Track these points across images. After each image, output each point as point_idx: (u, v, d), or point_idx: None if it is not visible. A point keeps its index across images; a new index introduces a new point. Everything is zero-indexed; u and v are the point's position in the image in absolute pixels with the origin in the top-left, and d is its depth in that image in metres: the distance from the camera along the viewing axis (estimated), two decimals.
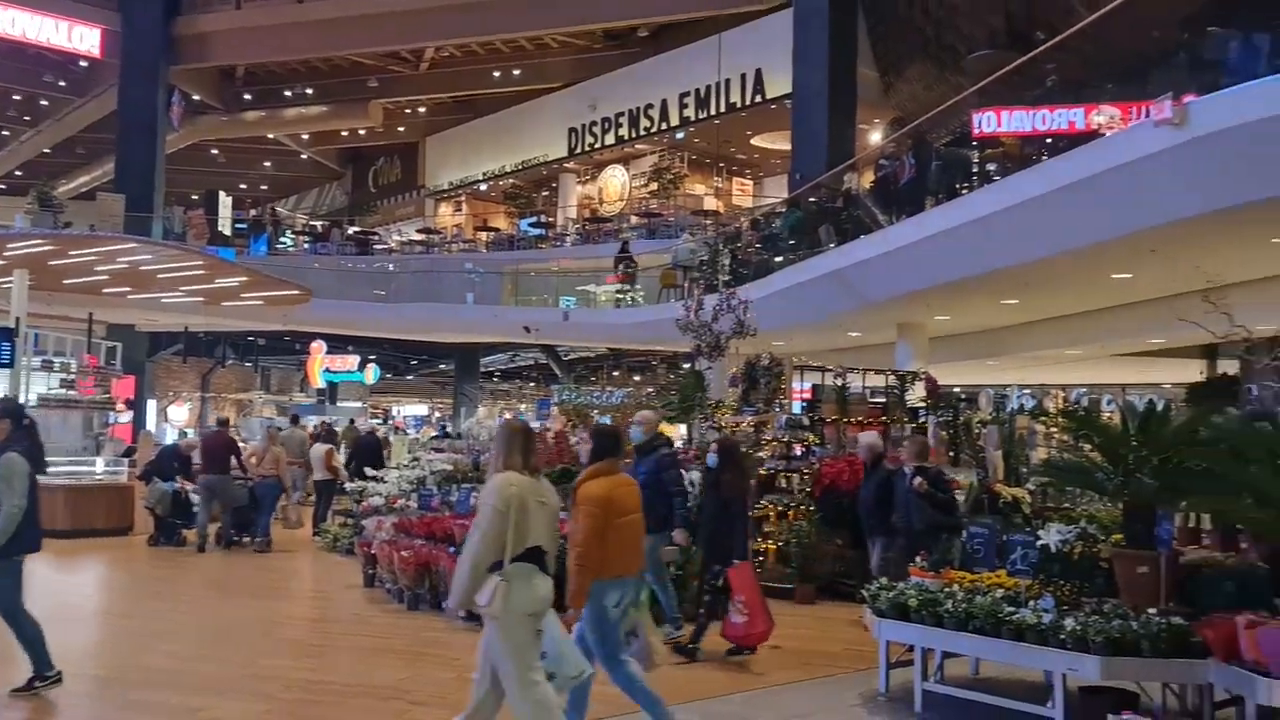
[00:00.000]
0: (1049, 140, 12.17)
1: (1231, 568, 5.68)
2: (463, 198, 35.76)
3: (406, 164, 37.23)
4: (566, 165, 32.23)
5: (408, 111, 34.80)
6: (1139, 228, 9.36)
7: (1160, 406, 6.15)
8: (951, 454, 12.80)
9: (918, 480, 7.89)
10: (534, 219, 31.44)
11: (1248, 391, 6.69)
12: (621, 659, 5.25)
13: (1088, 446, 6.70)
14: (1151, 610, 5.44)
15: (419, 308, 25.45)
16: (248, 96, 33.03)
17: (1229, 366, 16.14)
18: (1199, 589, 5.63)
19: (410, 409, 42.43)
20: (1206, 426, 5.81)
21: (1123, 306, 14.24)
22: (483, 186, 34.63)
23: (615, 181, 31.49)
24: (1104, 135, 10.95)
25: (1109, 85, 12.85)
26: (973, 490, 10.94)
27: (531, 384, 40.67)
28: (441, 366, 38.18)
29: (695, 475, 10.42)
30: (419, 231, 33.33)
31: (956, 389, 21.64)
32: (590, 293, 24.26)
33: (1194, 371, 18.53)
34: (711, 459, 8.07)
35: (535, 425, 17.55)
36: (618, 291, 22.81)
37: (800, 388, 13.51)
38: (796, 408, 12.70)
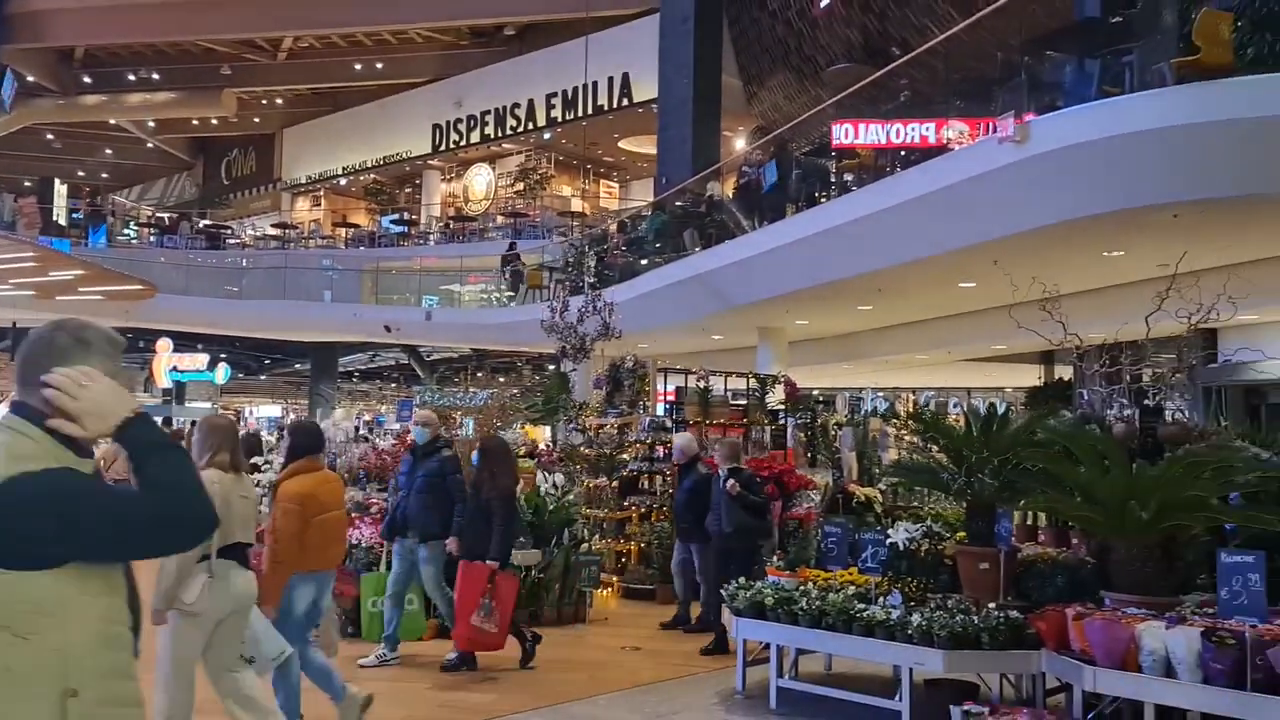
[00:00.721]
0: (903, 153, 12.64)
1: (1063, 562, 6.01)
2: (321, 192, 34.72)
3: (262, 156, 35.88)
4: (431, 162, 31.69)
5: (264, 102, 33.55)
6: (983, 239, 9.82)
7: (1000, 410, 6.47)
8: (809, 455, 13.18)
9: (730, 483, 7.83)
10: (396, 216, 30.79)
11: (1079, 396, 7.08)
12: (309, 648, 5.36)
13: (934, 448, 6.98)
14: (991, 605, 5.70)
15: (273, 305, 24.56)
16: (87, 80, 31.23)
17: (1064, 372, 17.18)
18: (1033, 583, 5.94)
19: (263, 409, 40.83)
20: (1042, 429, 6.13)
21: (968, 314, 14.94)
22: (343, 181, 33.69)
23: (481, 180, 31.14)
24: (953, 150, 11.44)
25: (958, 102, 13.45)
26: (828, 490, 11.30)
27: (393, 385, 39.77)
28: (297, 366, 36.89)
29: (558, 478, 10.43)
30: (274, 226, 32.17)
31: (815, 392, 22.28)
32: (454, 292, 23.90)
33: (1033, 376, 19.62)
34: (475, 458, 7.64)
35: (396, 427, 17.19)
36: (509, 294, 22.42)
37: (664, 390, 13.65)
38: (660, 410, 12.82)
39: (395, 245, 27.99)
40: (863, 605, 5.90)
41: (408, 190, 33.98)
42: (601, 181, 31.50)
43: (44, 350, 2.16)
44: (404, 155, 31.42)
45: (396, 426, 17.22)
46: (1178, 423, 6.24)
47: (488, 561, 6.89)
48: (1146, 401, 6.38)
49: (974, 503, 6.22)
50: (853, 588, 6.34)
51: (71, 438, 2.09)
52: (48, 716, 1.96)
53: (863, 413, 14.48)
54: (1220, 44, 7.64)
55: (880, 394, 22.94)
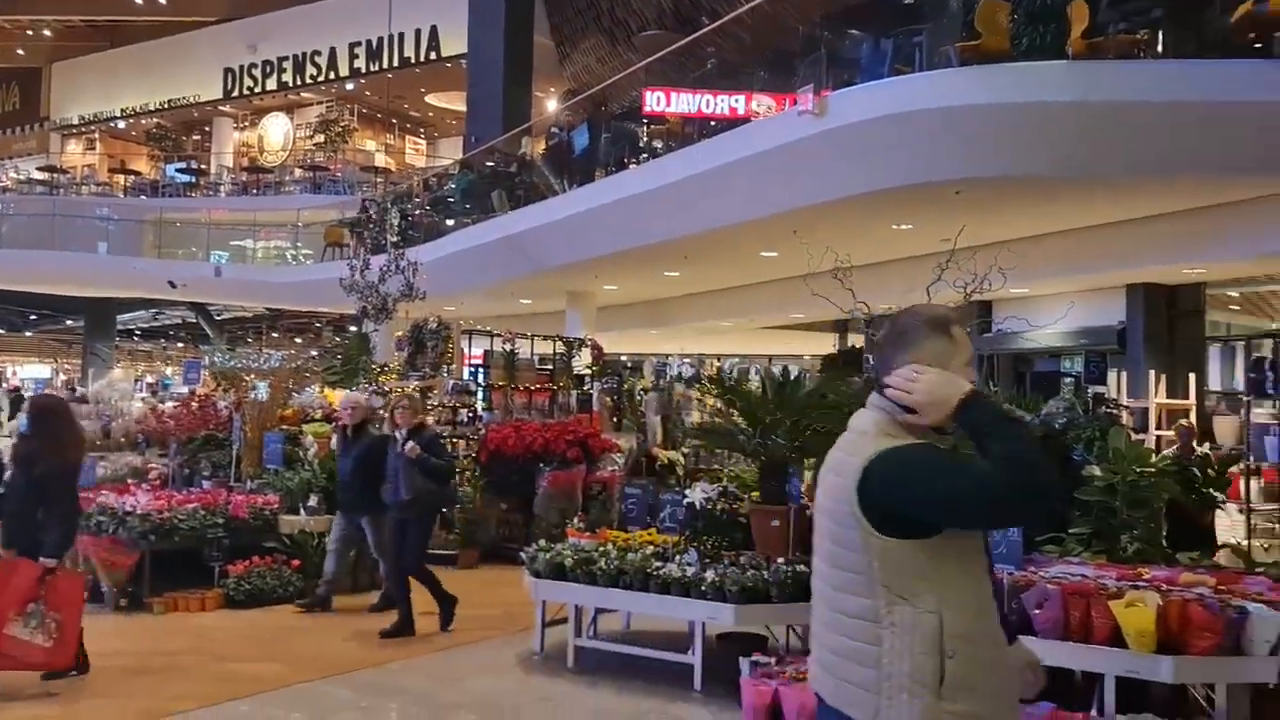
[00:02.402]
0: (712, 124, 12.85)
1: None
2: (96, 135, 31.96)
3: (26, 92, 32.66)
4: (222, 108, 29.75)
5: (29, 32, 30.45)
6: (784, 209, 10.13)
7: (794, 375, 6.70)
8: (615, 419, 13.31)
9: (409, 445, 6.95)
10: (183, 164, 28.77)
11: (867, 361, 7.43)
12: None
13: (734, 412, 7.17)
14: (781, 560, 5.91)
15: (40, 256, 22.48)
16: None
17: (857, 340, 18.08)
18: None
19: (30, 370, 37.50)
20: (831, 392, 6.39)
21: (769, 283, 15.44)
22: (121, 124, 31.14)
23: (277, 130, 29.52)
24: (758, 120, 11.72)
25: (764, 74, 13.79)
26: (632, 454, 11.47)
27: (180, 345, 37.37)
28: (69, 323, 34.03)
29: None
30: (40, 170, 29.39)
31: (624, 357, 22.51)
32: (247, 248, 22.61)
33: (829, 344, 20.56)
34: (23, 424, 6.51)
35: (184, 389, 16.14)
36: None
37: (469, 353, 13.41)
38: (465, 373, 12.59)
39: (182, 196, 26.16)
40: (660, 564, 6.00)
41: (196, 137, 31.79)
42: (408, 137, 30.52)
43: (892, 338, 2.46)
44: (192, 99, 29.34)
45: (184, 389, 16.23)
46: None
47: (42, 559, 5.39)
48: None
49: (767, 463, 6.43)
50: (651, 547, 6.44)
51: None
52: (929, 674, 2.20)
53: (668, 378, 14.74)
54: (998, 31, 8.13)
55: (686, 360, 23.45)
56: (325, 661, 6.28)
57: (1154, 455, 6.52)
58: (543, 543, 6.66)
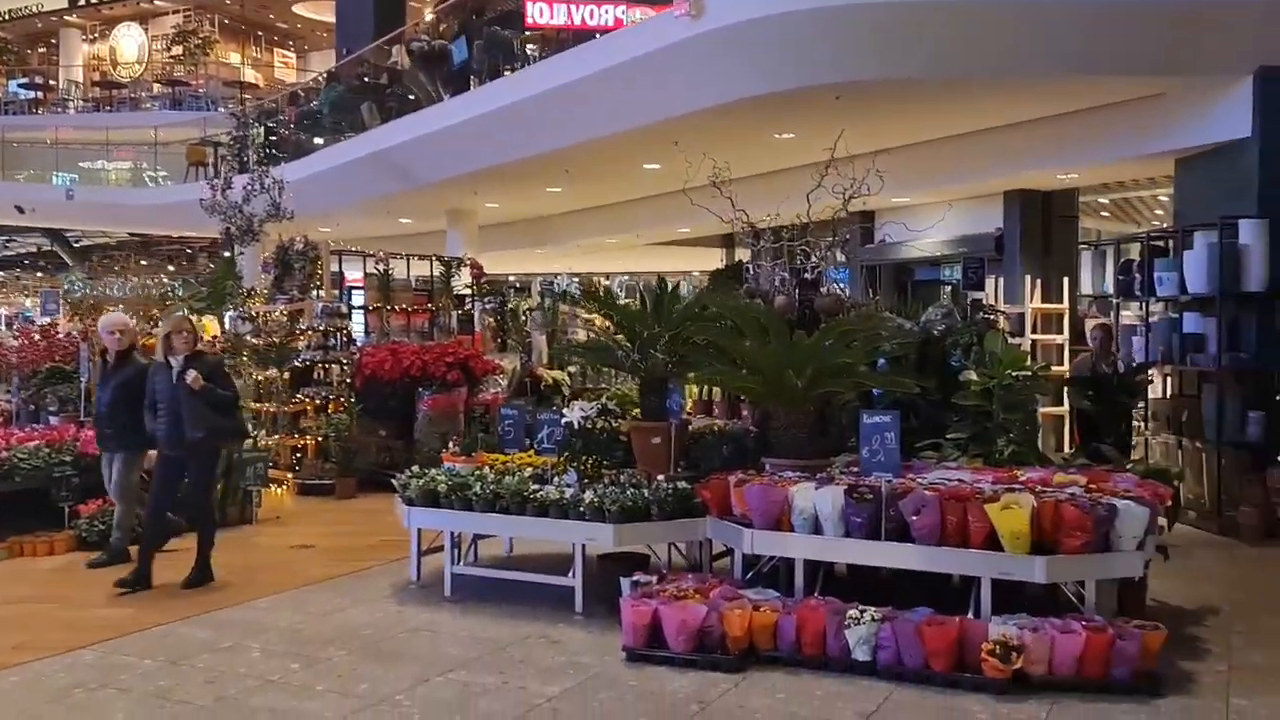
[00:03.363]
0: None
1: (729, 433, 6.19)
2: None
3: None
4: (68, 19, 27.56)
5: None
6: (663, 116, 9.81)
7: (671, 287, 6.48)
8: (499, 340, 12.98)
9: (191, 375, 6.10)
10: (26, 79, 26.63)
11: (747, 272, 7.27)
12: None
13: (614, 328, 6.95)
14: (661, 477, 5.77)
15: None
16: None
17: (744, 254, 18.02)
18: (702, 454, 6.08)
19: None
20: (710, 304, 6.20)
21: (653, 197, 15.15)
22: None
23: (130, 42, 27.56)
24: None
25: None
26: (516, 375, 11.18)
27: (39, 274, 35.15)
28: None
29: None
30: None
31: (511, 278, 21.99)
32: (100, 169, 21.14)
33: (716, 259, 20.48)
34: None
35: (43, 320, 15.13)
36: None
37: (341, 274, 12.83)
38: (337, 295, 12.03)
39: (26, 113, 24.25)
40: (538, 486, 5.79)
41: (41, 50, 29.45)
42: (276, 51, 28.89)
43: None
44: (33, 9, 27.07)
45: (44, 320, 15.25)
46: (833, 295, 6.54)
47: None
48: (806, 276, 6.63)
49: (647, 378, 6.25)
50: (530, 470, 6.23)
51: None
52: None
53: (551, 296, 14.40)
54: None
55: (575, 279, 23.13)
56: (186, 601, 5.93)
57: (1029, 359, 6.56)
58: (415, 469, 6.38)
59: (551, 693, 4.39)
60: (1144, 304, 9.02)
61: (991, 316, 7.42)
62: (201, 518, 6.46)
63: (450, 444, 7.26)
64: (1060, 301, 10.87)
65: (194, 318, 7.72)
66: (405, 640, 5.21)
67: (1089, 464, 5.80)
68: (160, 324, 7.08)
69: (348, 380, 10.15)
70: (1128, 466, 5.73)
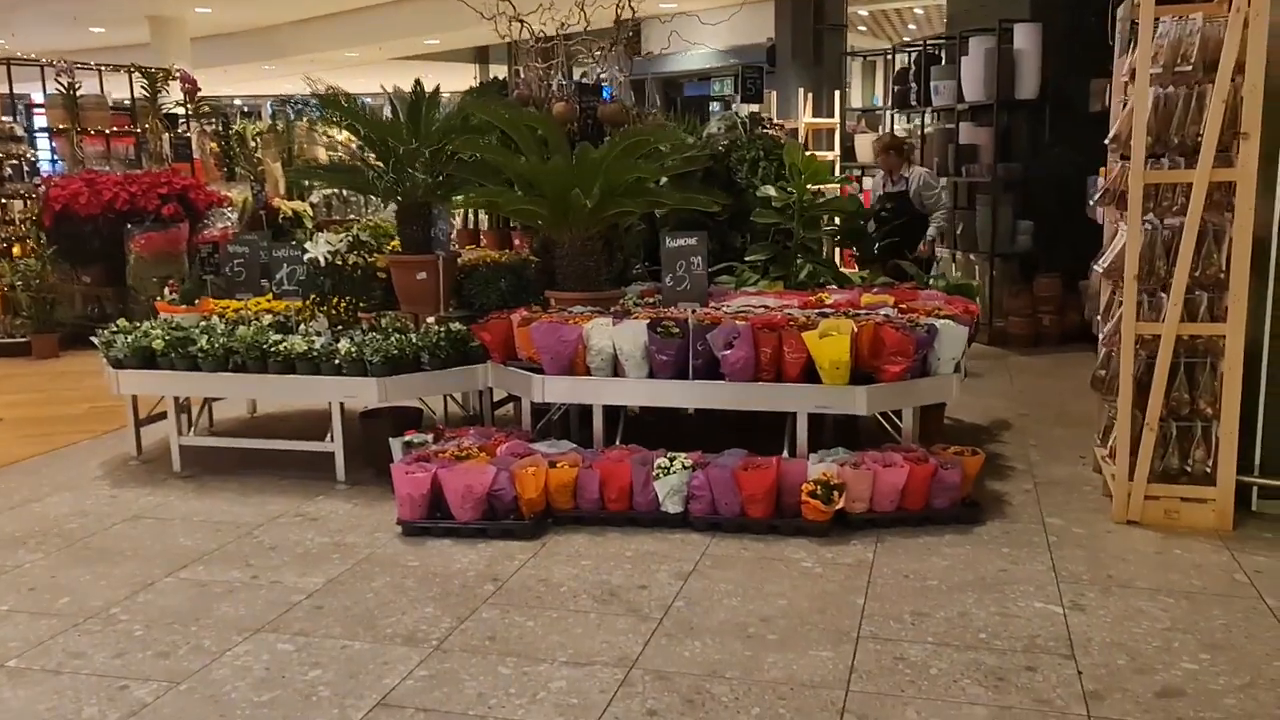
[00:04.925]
0: None
1: (506, 264, 5.41)
2: None
3: None
4: None
5: None
6: None
7: (429, 92, 5.47)
8: (226, 168, 11.31)
9: None
10: None
11: (515, 75, 6.34)
12: None
13: (365, 147, 5.89)
14: (431, 319, 4.97)
15: None
16: None
17: (500, 71, 16.68)
18: (476, 290, 5.29)
19: None
20: (478, 110, 5.27)
21: (395, 3, 13.50)
22: None
23: None
24: None
25: None
26: (248, 207, 9.74)
27: None
28: None
29: None
30: None
31: (237, 101, 19.52)
32: None
33: (469, 77, 18.96)
34: None
35: None
36: None
37: (11, 91, 10.61)
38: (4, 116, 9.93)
39: None
40: (280, 337, 4.83)
41: None
42: None
43: None
44: None
45: None
46: (617, 103, 5.77)
47: None
48: (584, 79, 5.80)
49: (406, 204, 5.33)
50: (270, 317, 5.24)
51: None
52: None
53: (286, 117, 12.68)
54: None
55: (314, 100, 20.94)
56: None
57: (829, 171, 6.11)
58: (123, 322, 5.22)
59: (313, 585, 3.63)
60: (920, 115, 8.82)
61: (774, 131, 6.93)
62: None
63: (167, 291, 6.05)
64: (831, 116, 10.61)
65: None
66: (123, 533, 4.24)
67: (890, 282, 5.49)
68: None
69: (34, 218, 8.43)
70: (928, 282, 5.46)
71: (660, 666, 2.97)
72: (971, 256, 8.16)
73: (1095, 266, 4.38)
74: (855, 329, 4.11)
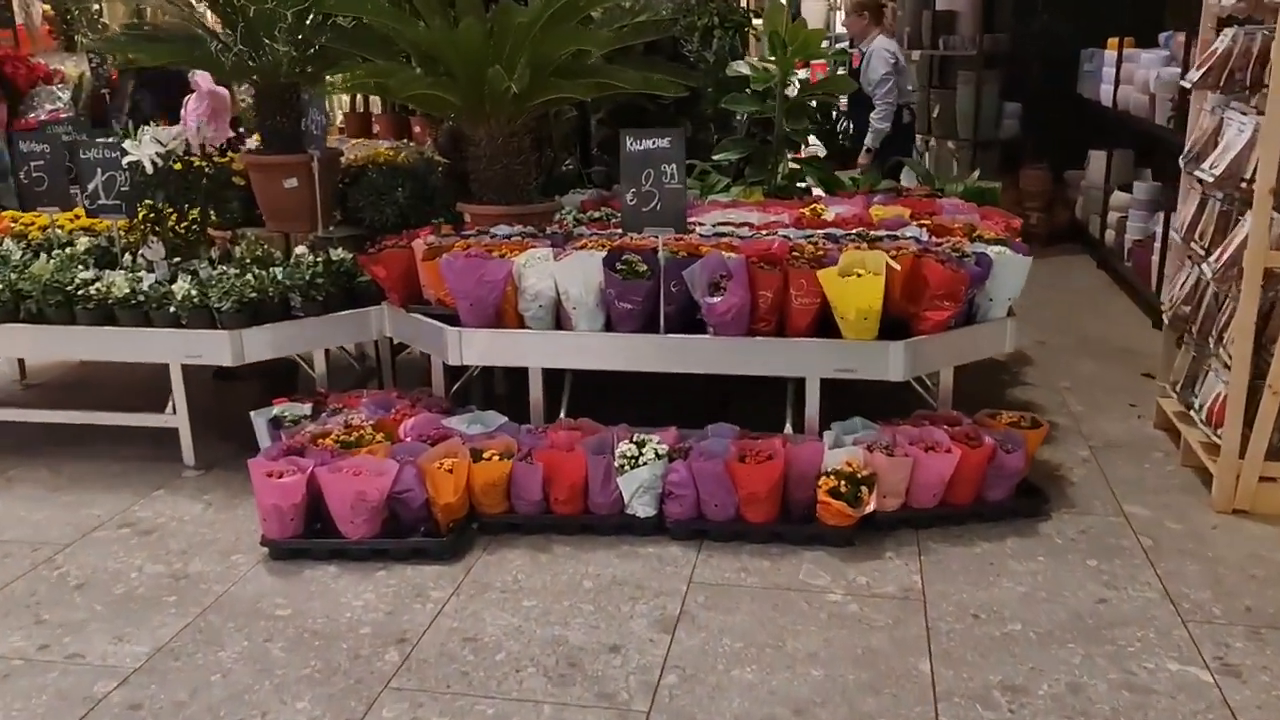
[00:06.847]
0: None
1: (405, 168, 4.13)
2: None
3: None
4: None
5: None
6: None
7: None
8: (62, 36, 9.47)
9: None
10: None
11: None
12: None
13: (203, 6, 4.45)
14: (302, 249, 3.71)
15: None
16: None
17: None
18: (365, 201, 4.02)
19: None
20: None
21: None
22: None
23: None
24: None
25: None
26: (85, 85, 8.06)
27: None
28: None
29: None
30: None
31: None
32: None
33: None
34: None
35: None
36: None
37: None
38: None
39: None
40: (94, 274, 3.54)
41: None
42: None
43: None
44: None
45: None
46: None
47: None
48: None
49: (265, 84, 3.98)
50: (87, 240, 3.92)
51: None
52: None
53: None
54: None
55: None
56: None
57: (822, 42, 4.88)
58: None
59: (131, 661, 2.47)
60: None
61: None
62: None
63: None
64: None
65: None
66: None
67: (896, 188, 4.38)
68: None
69: None
70: (942, 188, 4.37)
71: None
72: (950, 144, 7.10)
73: (1194, 171, 3.34)
74: (891, 264, 3.00)
